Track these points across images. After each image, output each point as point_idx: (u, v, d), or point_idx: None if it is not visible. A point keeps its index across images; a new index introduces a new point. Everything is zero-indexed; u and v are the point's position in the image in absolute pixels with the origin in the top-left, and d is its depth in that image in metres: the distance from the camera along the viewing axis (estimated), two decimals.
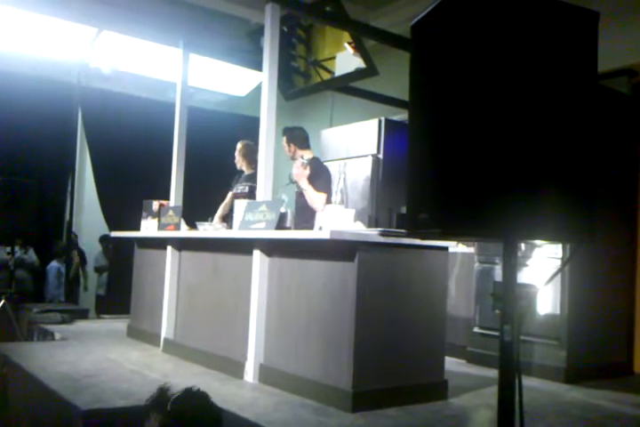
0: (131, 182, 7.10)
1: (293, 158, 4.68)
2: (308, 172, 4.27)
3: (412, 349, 3.16)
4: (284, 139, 4.66)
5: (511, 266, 1.63)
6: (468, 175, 1.52)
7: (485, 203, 1.50)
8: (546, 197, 1.54)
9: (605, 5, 4.20)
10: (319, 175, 4.42)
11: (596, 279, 4.00)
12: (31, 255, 7.41)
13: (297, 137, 4.67)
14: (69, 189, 7.82)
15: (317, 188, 4.30)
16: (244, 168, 5.24)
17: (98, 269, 8.46)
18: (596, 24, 1.66)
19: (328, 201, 4.34)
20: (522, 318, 1.60)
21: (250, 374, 3.50)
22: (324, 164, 4.84)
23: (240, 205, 3.91)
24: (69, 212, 7.85)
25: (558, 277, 3.79)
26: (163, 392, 2.01)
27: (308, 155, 4.62)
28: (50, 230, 7.62)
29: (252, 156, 5.13)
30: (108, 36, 8.21)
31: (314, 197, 4.23)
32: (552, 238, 1.74)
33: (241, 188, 5.16)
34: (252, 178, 5.02)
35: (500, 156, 1.50)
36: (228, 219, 4.91)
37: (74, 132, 7.86)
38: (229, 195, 5.29)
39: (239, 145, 5.23)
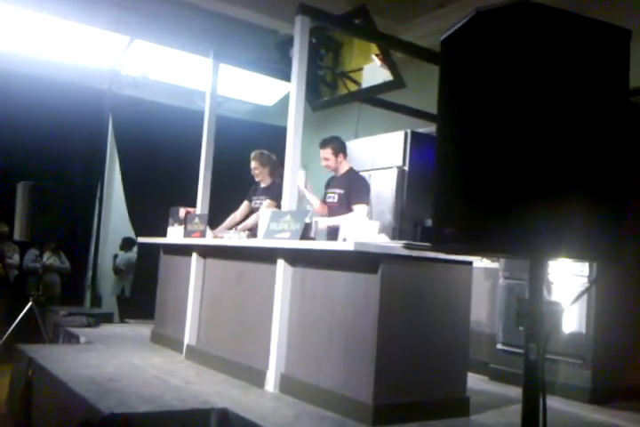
0: (158, 189, 7.18)
1: (338, 170, 4.66)
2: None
3: (434, 363, 3.14)
4: (330, 150, 4.57)
5: (537, 284, 1.62)
6: (495, 191, 1.52)
7: (513, 220, 1.50)
8: (574, 216, 1.53)
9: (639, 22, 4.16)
10: (364, 187, 4.55)
11: (624, 298, 3.94)
12: (64, 260, 7.50)
13: (344, 147, 4.65)
14: (98, 194, 7.95)
15: (364, 200, 4.44)
16: (262, 179, 5.13)
17: (119, 272, 8.51)
18: (628, 41, 1.65)
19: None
20: (547, 337, 1.59)
21: (271, 383, 3.51)
22: (360, 173, 4.86)
23: (265, 215, 3.94)
24: (97, 217, 7.98)
25: (584, 296, 3.74)
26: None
27: (347, 165, 4.64)
28: (78, 234, 7.74)
29: (272, 164, 5.11)
30: (139, 45, 8.37)
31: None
32: (578, 257, 1.73)
33: (259, 202, 5.09)
34: (269, 191, 5.01)
35: (528, 172, 1.50)
36: (236, 227, 4.91)
37: (104, 139, 8.00)
38: (244, 204, 5.29)
39: (255, 154, 5.12)
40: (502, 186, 1.51)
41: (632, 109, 1.78)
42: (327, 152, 4.58)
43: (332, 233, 4.25)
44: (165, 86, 8.98)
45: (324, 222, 4.29)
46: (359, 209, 4.41)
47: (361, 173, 4.88)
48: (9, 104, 6.85)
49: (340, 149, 4.60)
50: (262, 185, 5.17)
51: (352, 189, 4.50)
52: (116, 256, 8.50)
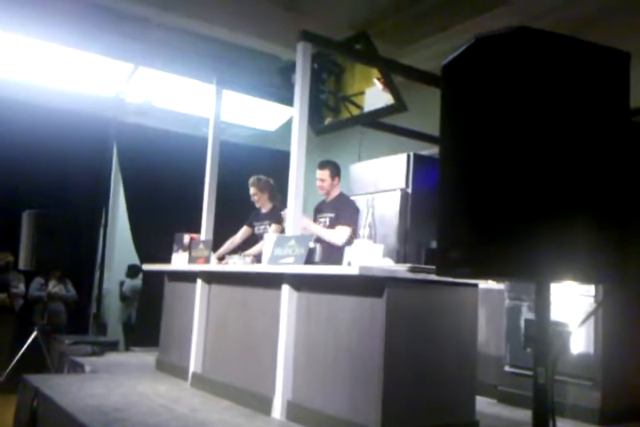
0: (163, 216, 7.17)
1: (330, 193, 4.70)
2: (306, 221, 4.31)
3: (441, 387, 3.10)
4: (328, 172, 4.64)
5: (544, 307, 1.61)
6: (499, 214, 1.52)
7: (517, 243, 1.49)
8: (578, 238, 1.53)
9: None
10: (353, 211, 4.55)
11: (631, 318, 3.90)
12: (70, 289, 7.46)
13: (339, 171, 4.73)
14: (103, 222, 7.96)
15: (349, 223, 4.40)
16: (262, 204, 5.19)
17: (125, 299, 8.50)
18: (628, 64, 1.67)
19: (355, 235, 4.38)
20: (556, 359, 1.57)
21: (277, 410, 3.47)
22: (350, 198, 4.90)
23: (269, 240, 3.94)
24: (102, 244, 7.97)
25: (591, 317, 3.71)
26: None
27: (338, 189, 4.69)
28: (83, 262, 7.73)
29: (270, 189, 5.15)
30: (143, 72, 8.48)
31: (331, 237, 4.28)
32: (584, 279, 1.72)
33: (262, 227, 5.13)
34: (272, 216, 5.03)
35: (532, 195, 1.50)
36: (238, 251, 4.93)
37: (108, 166, 8.02)
38: (244, 229, 5.29)
39: (252, 180, 5.17)
40: (506, 209, 1.51)
41: (633, 130, 1.78)
42: (325, 173, 4.64)
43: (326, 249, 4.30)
44: (169, 113, 9.07)
45: (307, 223, 4.31)
46: (342, 230, 4.44)
47: (351, 198, 4.96)
48: (12, 132, 6.88)
49: (336, 172, 4.70)
50: (263, 210, 5.20)
51: (341, 211, 4.55)
52: (122, 283, 8.49)
